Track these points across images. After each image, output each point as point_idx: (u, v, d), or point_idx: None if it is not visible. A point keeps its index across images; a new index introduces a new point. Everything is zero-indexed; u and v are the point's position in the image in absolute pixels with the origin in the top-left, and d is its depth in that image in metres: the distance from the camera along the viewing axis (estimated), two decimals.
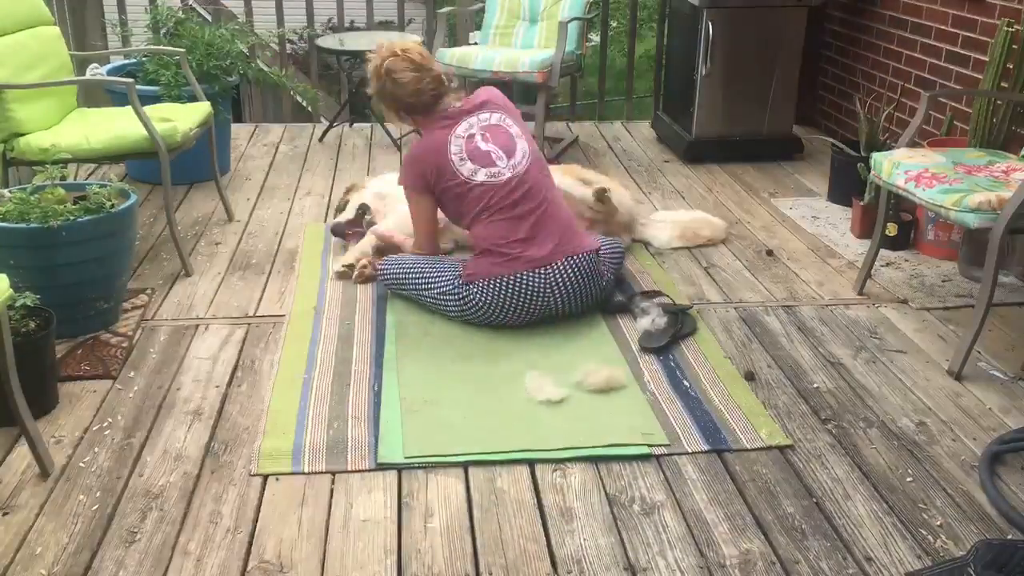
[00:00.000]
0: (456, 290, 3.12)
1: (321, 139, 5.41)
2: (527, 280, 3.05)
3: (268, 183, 4.66)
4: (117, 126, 3.51)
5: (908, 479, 2.43)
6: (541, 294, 3.07)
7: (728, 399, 2.76)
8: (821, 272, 3.69)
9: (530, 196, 3.13)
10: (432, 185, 3.21)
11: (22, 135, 3.45)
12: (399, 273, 3.28)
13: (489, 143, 3.17)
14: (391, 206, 3.81)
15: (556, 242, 3.09)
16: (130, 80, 3.47)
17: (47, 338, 2.64)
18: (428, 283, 3.19)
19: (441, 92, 3.23)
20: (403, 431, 2.57)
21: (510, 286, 3.05)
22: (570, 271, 3.08)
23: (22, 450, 2.46)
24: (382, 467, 2.43)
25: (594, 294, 3.18)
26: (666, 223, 3.96)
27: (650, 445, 2.53)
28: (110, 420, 2.63)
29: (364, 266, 3.51)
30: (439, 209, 3.31)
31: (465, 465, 2.45)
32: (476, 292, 3.08)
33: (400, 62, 3.18)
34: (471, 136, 3.18)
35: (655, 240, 3.88)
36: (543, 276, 3.06)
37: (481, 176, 3.13)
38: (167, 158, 3.43)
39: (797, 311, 3.36)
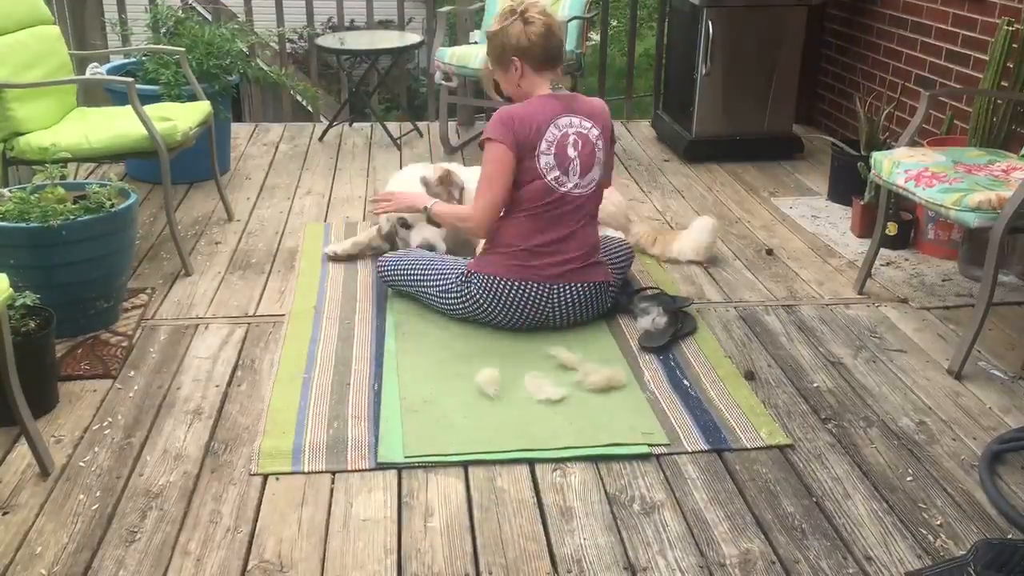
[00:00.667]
0: (457, 287, 3.12)
1: (321, 138, 5.41)
2: (529, 291, 3.06)
3: (268, 182, 4.66)
4: (117, 125, 3.51)
5: (908, 478, 2.43)
6: (540, 309, 3.08)
7: (728, 398, 2.76)
8: (821, 271, 3.69)
9: (573, 217, 3.08)
10: (519, 146, 3.00)
11: (22, 134, 3.45)
12: (400, 270, 3.27)
13: (576, 151, 3.06)
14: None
15: (570, 267, 3.08)
16: (130, 79, 3.47)
17: (47, 338, 2.64)
18: (430, 280, 3.19)
19: (557, 56, 3.07)
20: (403, 431, 2.57)
21: (511, 291, 3.05)
22: (572, 297, 3.09)
23: (22, 449, 2.46)
24: (382, 467, 2.43)
25: (594, 316, 3.18)
26: (687, 243, 3.79)
27: (650, 444, 2.53)
28: (110, 420, 2.63)
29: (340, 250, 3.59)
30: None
31: (465, 465, 2.45)
32: (477, 289, 3.08)
33: (536, 8, 3.06)
34: (567, 135, 3.05)
35: (680, 256, 3.77)
36: (545, 293, 3.06)
37: (551, 177, 3.04)
38: (167, 157, 3.43)
39: (797, 310, 3.35)
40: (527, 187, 3.05)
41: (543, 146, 3.02)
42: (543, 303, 3.07)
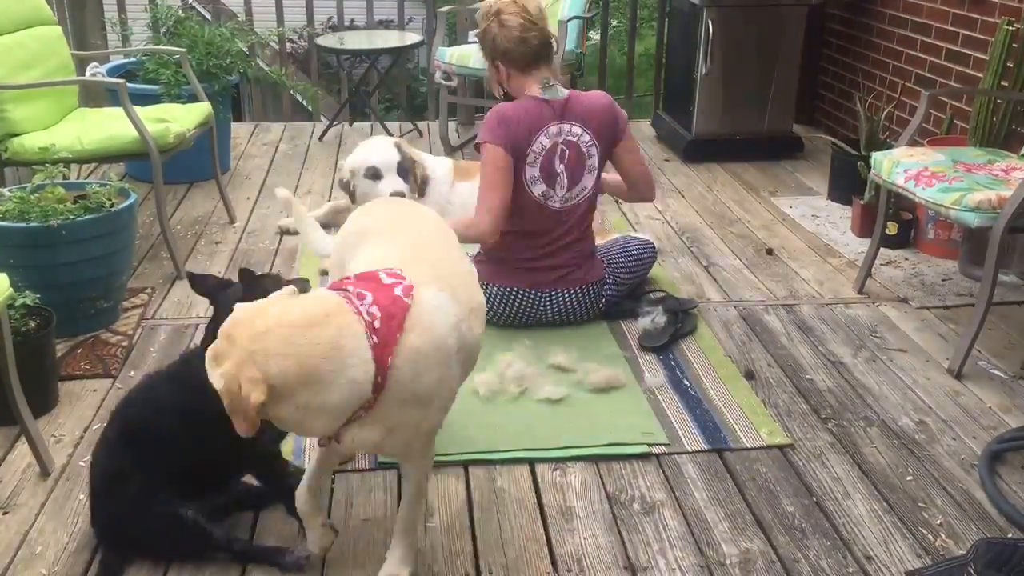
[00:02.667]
0: None
1: (321, 138, 5.41)
2: (523, 296, 3.08)
3: (268, 182, 4.66)
4: (111, 127, 3.49)
5: (908, 478, 2.43)
6: (534, 312, 3.11)
7: (728, 398, 2.76)
8: (821, 271, 3.69)
9: (562, 228, 3.07)
10: (514, 147, 2.93)
11: (17, 135, 3.43)
12: None
13: (563, 163, 3.00)
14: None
15: (563, 273, 3.09)
16: (120, 81, 3.44)
17: (47, 337, 2.64)
18: None
19: (542, 54, 2.97)
20: None
21: (506, 296, 3.08)
22: (567, 301, 3.11)
23: (22, 449, 2.46)
24: (382, 466, 2.43)
25: (590, 316, 3.18)
26: None
27: (650, 444, 2.53)
28: None
29: None
30: None
31: (465, 464, 2.45)
32: None
33: (512, 6, 2.95)
34: (555, 145, 2.98)
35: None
36: (539, 299, 3.09)
37: (537, 191, 3.01)
38: (158, 160, 3.40)
39: (797, 310, 3.35)
40: (516, 202, 2.98)
41: (530, 157, 2.97)
42: (538, 307, 3.10)
